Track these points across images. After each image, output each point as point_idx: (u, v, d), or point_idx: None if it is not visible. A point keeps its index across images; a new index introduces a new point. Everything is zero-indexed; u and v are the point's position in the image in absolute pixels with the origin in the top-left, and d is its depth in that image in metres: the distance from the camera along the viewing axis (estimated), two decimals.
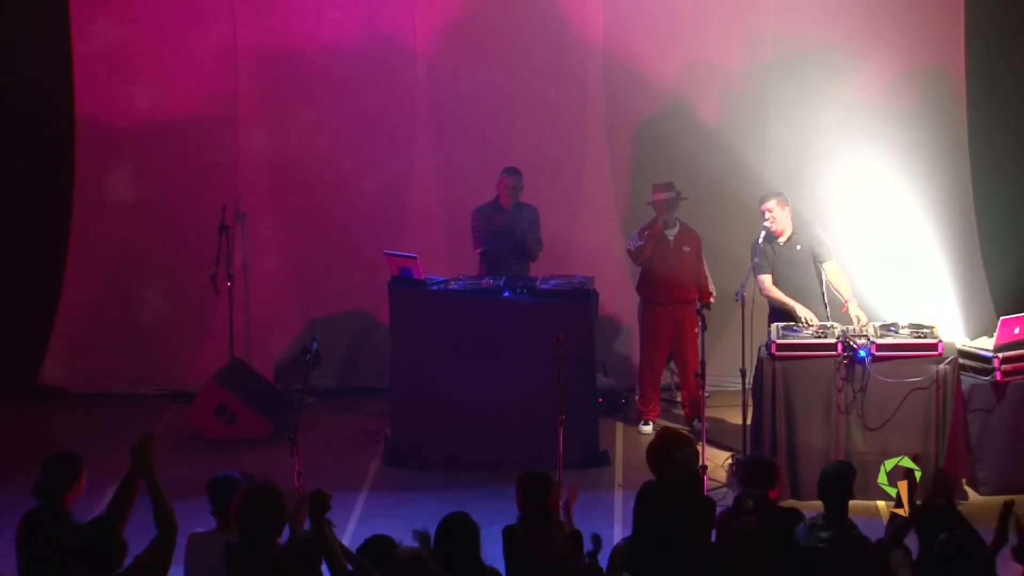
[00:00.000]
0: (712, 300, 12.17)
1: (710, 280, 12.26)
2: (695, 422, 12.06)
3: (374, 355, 13.01)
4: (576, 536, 7.65)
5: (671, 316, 12.19)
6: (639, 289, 12.33)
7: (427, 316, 11.77)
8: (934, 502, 7.61)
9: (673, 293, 12.14)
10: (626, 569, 7.25)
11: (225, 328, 13.04)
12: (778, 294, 11.65)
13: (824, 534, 7.57)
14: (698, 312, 11.29)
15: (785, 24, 13.05)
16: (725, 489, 11.05)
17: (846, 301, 11.52)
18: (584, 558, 7.44)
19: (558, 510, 7.80)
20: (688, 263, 12.15)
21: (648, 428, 12.30)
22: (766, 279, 11.65)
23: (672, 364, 12.62)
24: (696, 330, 12.03)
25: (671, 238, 12.16)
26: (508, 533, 7.69)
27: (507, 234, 12.31)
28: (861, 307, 11.52)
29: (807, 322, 11.28)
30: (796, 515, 7.59)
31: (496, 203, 12.42)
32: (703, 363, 11.10)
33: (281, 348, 13.53)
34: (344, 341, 13.35)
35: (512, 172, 12.44)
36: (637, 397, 12.60)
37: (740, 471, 8.19)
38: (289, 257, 13.65)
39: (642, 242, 12.12)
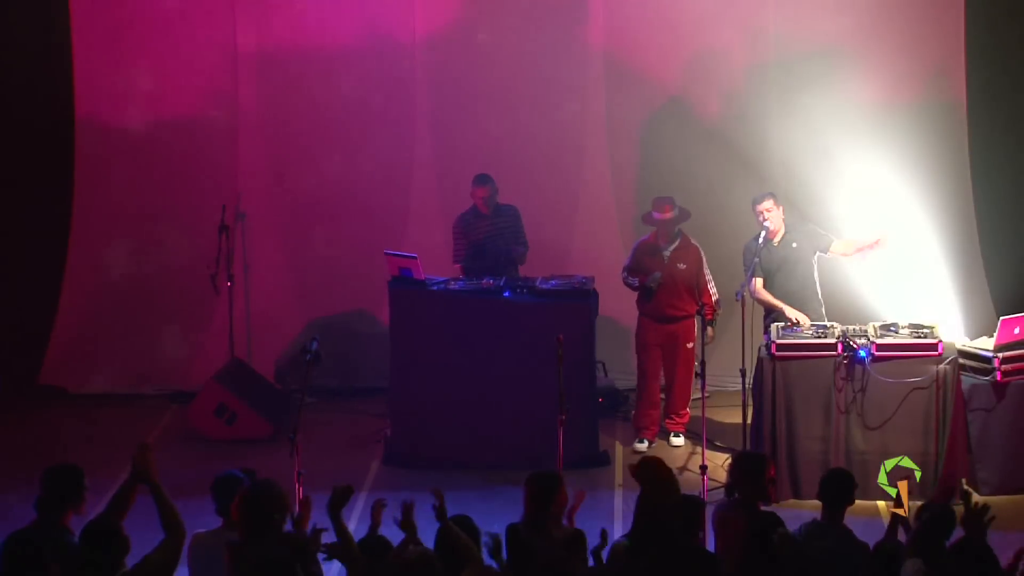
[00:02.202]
0: (715, 316, 11.76)
1: (714, 295, 11.89)
2: (672, 436, 12.04)
3: (374, 355, 13.00)
4: (578, 537, 7.66)
5: (663, 331, 11.92)
6: (637, 302, 12.07)
7: (427, 316, 11.77)
8: (935, 503, 7.62)
9: (664, 310, 11.83)
10: (625, 566, 7.27)
11: (225, 328, 13.04)
12: (767, 296, 11.62)
13: (821, 539, 7.58)
14: (708, 323, 11.29)
15: (785, 24, 13.05)
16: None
17: (876, 241, 11.55)
18: (587, 559, 7.47)
19: (563, 512, 7.80)
20: (683, 279, 11.79)
21: (643, 446, 12.01)
22: (757, 282, 11.61)
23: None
24: (689, 346, 11.90)
25: (666, 255, 11.82)
26: (511, 532, 7.70)
27: (489, 240, 12.22)
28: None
29: (797, 322, 11.29)
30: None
31: (475, 210, 12.36)
32: (703, 363, 11.09)
33: (281, 348, 13.53)
34: (344, 341, 13.33)
35: (482, 181, 12.28)
36: (633, 412, 12.33)
37: (731, 467, 8.18)
38: (289, 257, 13.65)
39: (634, 282, 11.84)
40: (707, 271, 11.93)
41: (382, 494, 11.09)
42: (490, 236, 12.28)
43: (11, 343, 13.56)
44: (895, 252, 12.75)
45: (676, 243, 11.88)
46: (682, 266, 11.81)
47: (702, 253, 11.92)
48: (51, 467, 7.50)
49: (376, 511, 7.51)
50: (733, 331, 11.68)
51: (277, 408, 12.59)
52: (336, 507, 7.09)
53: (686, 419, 12.11)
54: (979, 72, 13.01)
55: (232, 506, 7.18)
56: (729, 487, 8.06)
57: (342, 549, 7.07)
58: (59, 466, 7.51)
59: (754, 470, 7.96)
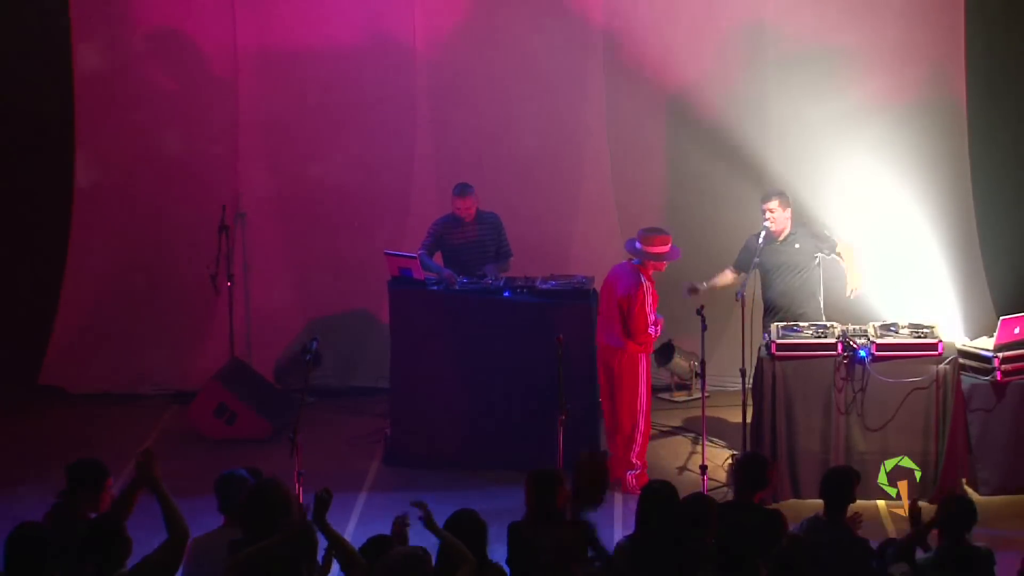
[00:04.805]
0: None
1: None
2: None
3: (374, 355, 13.01)
4: (584, 529, 7.66)
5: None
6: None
7: (427, 316, 11.77)
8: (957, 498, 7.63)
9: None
10: (628, 567, 7.27)
11: (225, 328, 13.04)
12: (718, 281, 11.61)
13: (822, 536, 7.60)
14: (697, 312, 11.23)
15: (785, 23, 13.05)
16: (725, 489, 11.06)
17: (854, 289, 11.47)
18: (592, 550, 7.49)
19: (566, 506, 7.80)
20: None
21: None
22: (728, 273, 11.60)
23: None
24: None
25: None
26: (513, 530, 7.71)
27: (465, 249, 12.10)
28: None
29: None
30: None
31: (454, 217, 12.18)
32: (703, 363, 11.08)
33: (281, 348, 13.53)
34: (344, 341, 13.34)
35: (462, 193, 12.08)
36: (609, 444, 11.61)
37: (735, 470, 8.19)
38: (289, 257, 13.65)
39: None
40: None
41: (382, 494, 11.20)
42: (466, 245, 12.15)
43: (11, 343, 13.57)
44: (895, 253, 12.79)
45: None
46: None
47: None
48: (75, 463, 7.59)
49: (397, 527, 7.47)
50: (733, 331, 11.69)
51: (277, 408, 12.59)
52: (320, 514, 7.03)
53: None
54: (979, 72, 13.01)
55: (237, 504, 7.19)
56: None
57: (338, 554, 7.05)
58: (82, 461, 7.61)
59: (754, 473, 8.02)
